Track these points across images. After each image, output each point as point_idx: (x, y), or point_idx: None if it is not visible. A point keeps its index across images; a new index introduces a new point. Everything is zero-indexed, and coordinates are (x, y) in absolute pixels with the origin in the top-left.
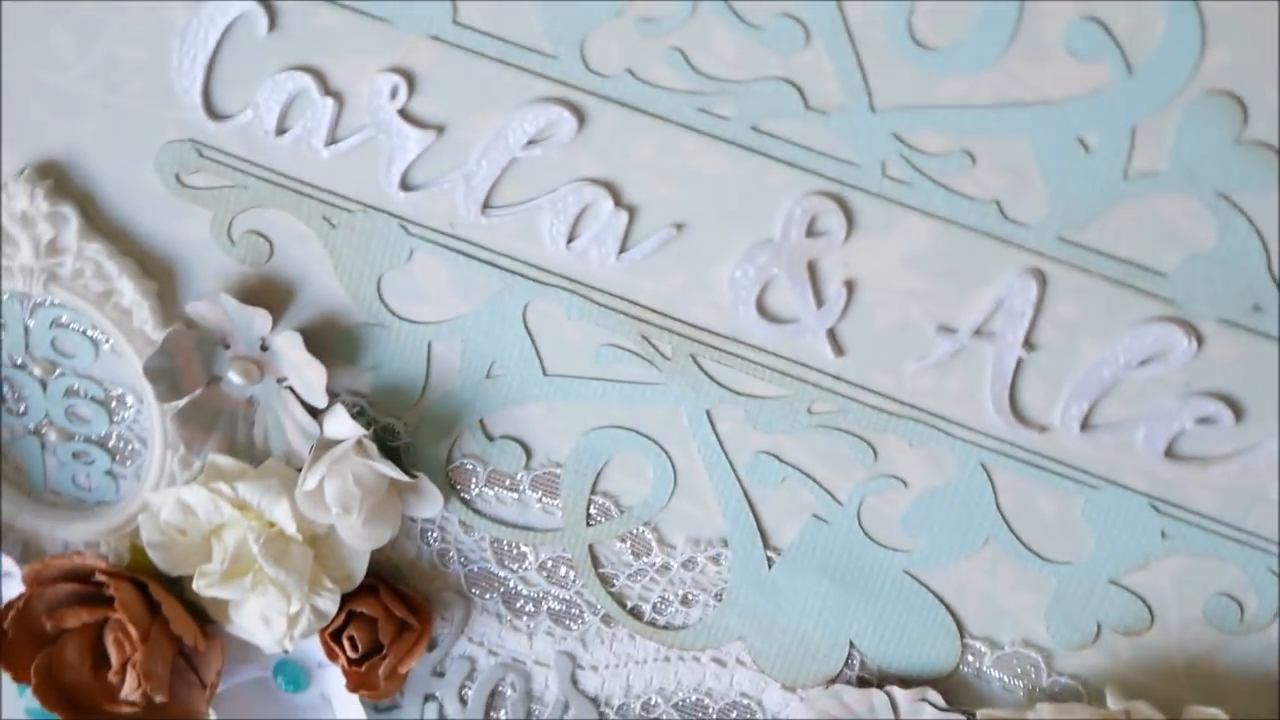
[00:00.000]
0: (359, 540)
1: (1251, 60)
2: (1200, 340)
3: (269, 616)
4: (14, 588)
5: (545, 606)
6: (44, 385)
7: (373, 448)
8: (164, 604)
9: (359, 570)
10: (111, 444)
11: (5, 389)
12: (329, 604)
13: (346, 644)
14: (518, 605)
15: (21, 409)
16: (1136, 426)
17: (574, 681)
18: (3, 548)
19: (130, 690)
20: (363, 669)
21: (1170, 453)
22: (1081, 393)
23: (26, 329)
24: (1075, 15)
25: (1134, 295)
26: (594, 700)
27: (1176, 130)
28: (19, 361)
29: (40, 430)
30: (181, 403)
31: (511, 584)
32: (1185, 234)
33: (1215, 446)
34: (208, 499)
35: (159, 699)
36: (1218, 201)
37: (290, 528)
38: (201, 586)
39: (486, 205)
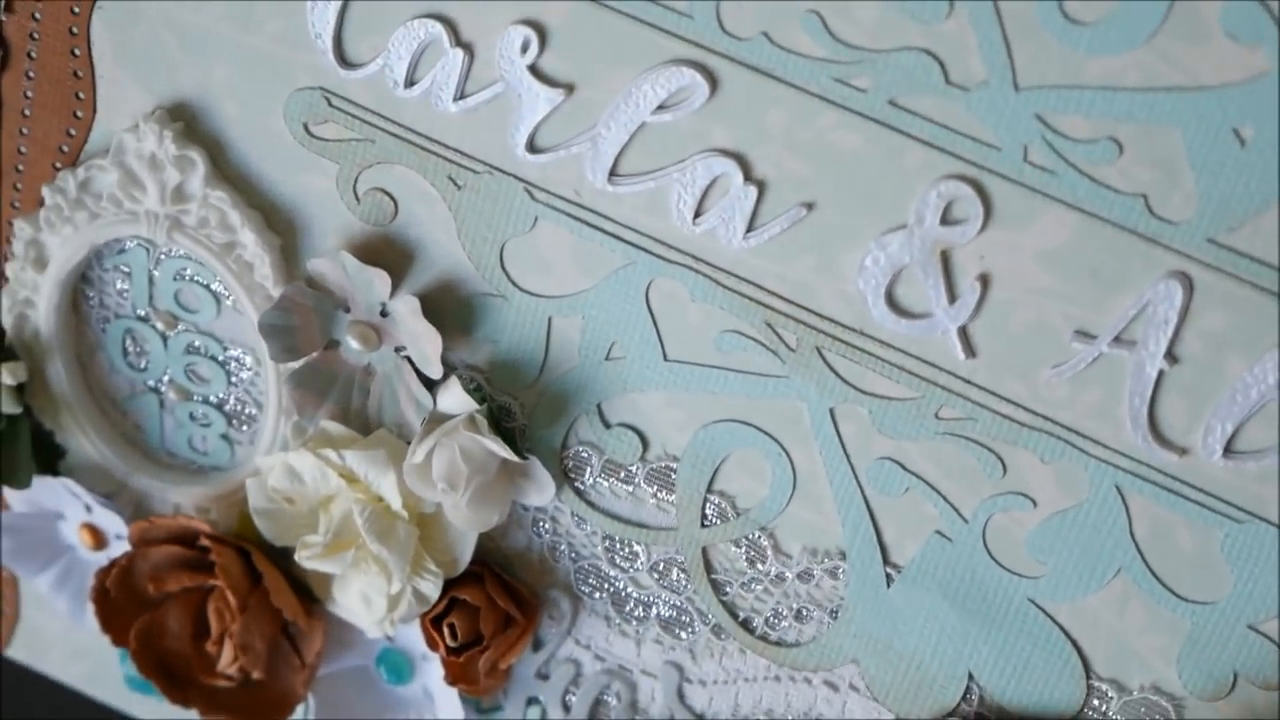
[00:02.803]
0: (464, 520)
1: None
2: None
3: (369, 595)
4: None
5: (655, 612)
6: (165, 340)
7: (484, 423)
8: (266, 575)
9: (464, 556)
10: (228, 408)
11: (128, 342)
12: (431, 587)
13: (446, 632)
14: (627, 609)
15: (143, 364)
16: None
17: (680, 695)
18: (116, 506)
19: (227, 663)
20: (462, 659)
21: None
22: (1226, 413)
23: (151, 279)
24: None
25: None
26: (699, 717)
27: None
28: (142, 313)
29: (159, 388)
30: (297, 364)
31: (622, 585)
32: None
33: None
34: (315, 466)
35: (255, 675)
36: None
37: (396, 502)
38: (304, 558)
39: (613, 173)
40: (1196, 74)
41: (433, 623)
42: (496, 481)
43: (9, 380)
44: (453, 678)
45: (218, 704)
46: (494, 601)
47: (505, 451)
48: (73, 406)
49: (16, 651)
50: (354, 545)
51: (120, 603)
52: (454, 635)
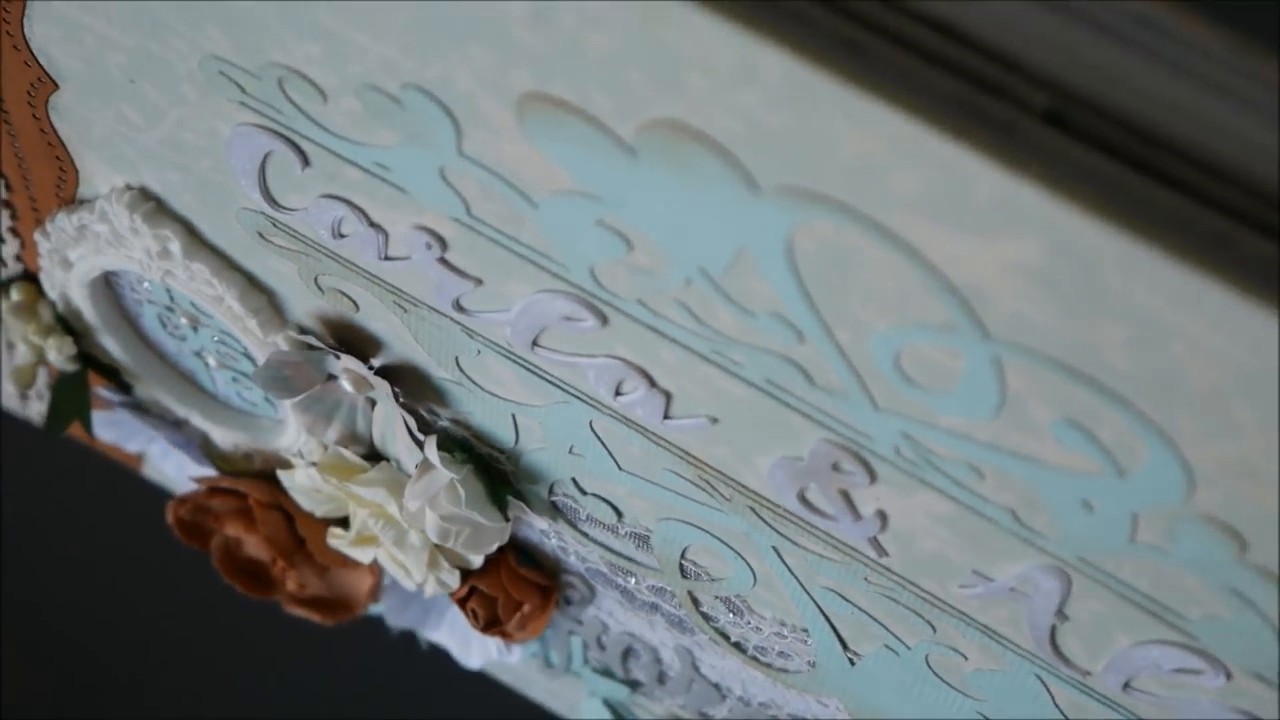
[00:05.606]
0: (465, 553)
1: (1245, 499)
2: (1230, 675)
3: (399, 576)
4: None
5: (661, 612)
6: (194, 329)
7: (461, 495)
8: (309, 539)
9: (477, 561)
10: None
11: (164, 319)
12: (451, 578)
13: (469, 614)
14: (636, 603)
15: (180, 335)
16: (1178, 706)
17: (696, 669)
18: (184, 438)
19: (293, 588)
20: (490, 632)
21: None
22: (1118, 668)
23: (168, 287)
24: (1059, 416)
25: (1158, 621)
26: (716, 685)
27: (1179, 531)
28: (168, 305)
29: (200, 354)
30: (299, 397)
31: (628, 588)
32: (1202, 600)
33: None
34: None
35: (322, 595)
36: (1229, 595)
37: (405, 524)
38: (335, 544)
39: (536, 343)
40: (1038, 452)
41: (459, 602)
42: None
43: (57, 357)
44: (486, 635)
45: (298, 600)
46: (510, 592)
47: (488, 521)
48: (128, 362)
49: (150, 473)
50: (376, 543)
51: (198, 525)
52: (476, 618)
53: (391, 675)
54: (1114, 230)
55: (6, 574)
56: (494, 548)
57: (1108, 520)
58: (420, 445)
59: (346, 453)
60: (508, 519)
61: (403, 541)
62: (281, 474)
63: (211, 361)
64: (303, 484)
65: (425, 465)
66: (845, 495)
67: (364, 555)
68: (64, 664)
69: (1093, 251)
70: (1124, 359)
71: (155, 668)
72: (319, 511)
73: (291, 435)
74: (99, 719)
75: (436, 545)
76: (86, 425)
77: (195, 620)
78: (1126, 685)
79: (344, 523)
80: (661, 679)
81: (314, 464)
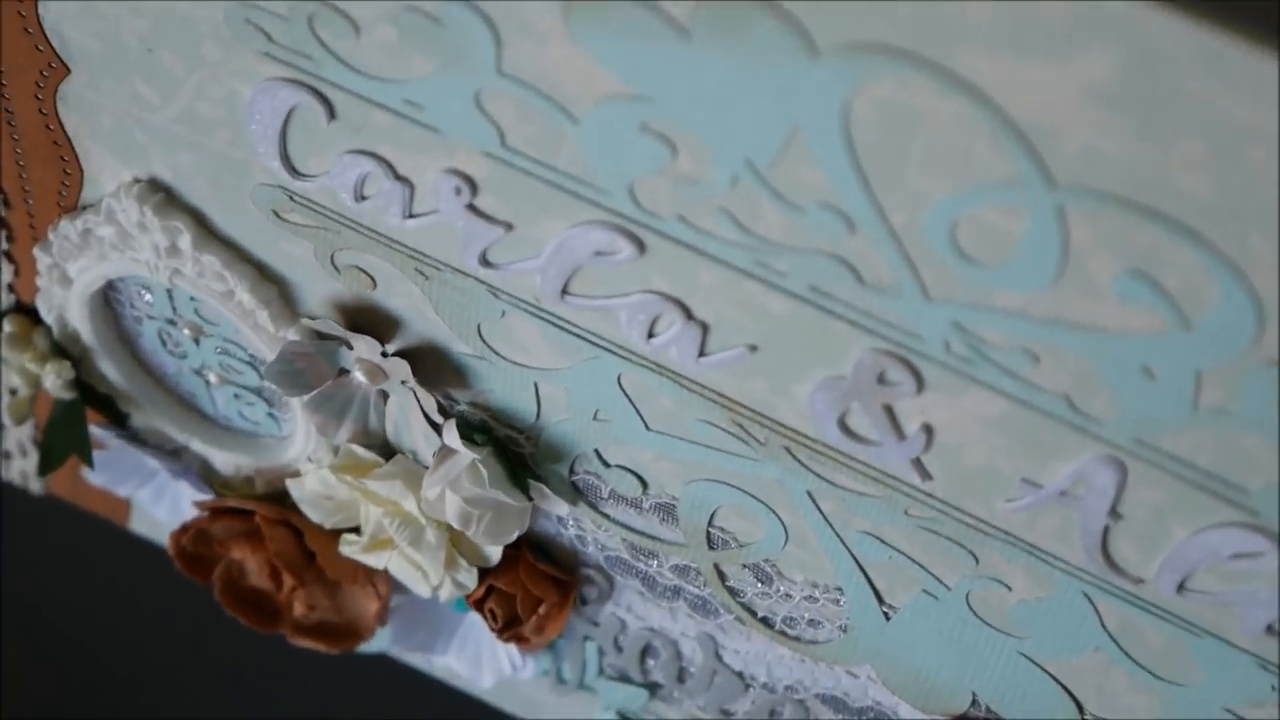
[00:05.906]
0: (484, 544)
1: None
2: None
3: (414, 581)
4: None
5: (683, 596)
6: (196, 341)
7: (483, 474)
8: (319, 553)
9: (494, 556)
10: (266, 394)
11: (164, 336)
12: (468, 578)
13: (488, 615)
14: (657, 590)
15: (182, 353)
16: (1234, 602)
17: (719, 657)
18: (181, 467)
19: (300, 613)
20: (507, 634)
21: (1272, 630)
22: (1174, 565)
23: (170, 295)
24: (1123, 268)
25: (1218, 500)
26: (740, 674)
27: (1244, 384)
28: (170, 318)
29: (201, 372)
30: (310, 395)
31: (649, 573)
32: (1262, 466)
33: None
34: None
35: (330, 619)
36: None
37: (421, 520)
38: (347, 552)
39: (566, 291)
40: (1098, 319)
41: (476, 604)
42: (510, 505)
43: (54, 381)
44: (503, 640)
45: (303, 630)
46: (528, 589)
47: (511, 500)
48: (125, 387)
49: (137, 527)
50: (391, 545)
51: (200, 556)
52: (494, 619)
53: (393, 699)
54: (1191, 26)
55: (6, 575)
56: (514, 536)
57: (1170, 386)
58: (438, 429)
59: (359, 449)
60: (529, 499)
61: (419, 541)
62: (290, 483)
63: (213, 378)
64: (312, 491)
65: (444, 451)
66: (890, 412)
67: (378, 560)
68: (64, 664)
69: (1170, 54)
70: (1197, 180)
71: (156, 669)
72: (328, 523)
73: (297, 448)
74: (99, 719)
75: (453, 539)
76: (86, 458)
77: (198, 619)
78: (1181, 586)
79: (355, 533)
80: (681, 676)
81: (328, 466)
